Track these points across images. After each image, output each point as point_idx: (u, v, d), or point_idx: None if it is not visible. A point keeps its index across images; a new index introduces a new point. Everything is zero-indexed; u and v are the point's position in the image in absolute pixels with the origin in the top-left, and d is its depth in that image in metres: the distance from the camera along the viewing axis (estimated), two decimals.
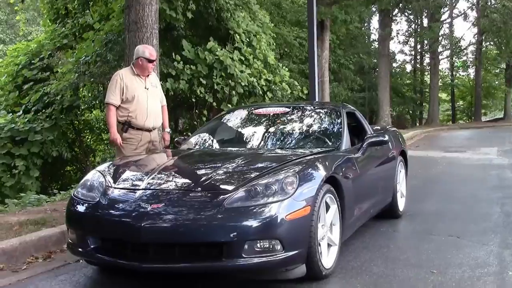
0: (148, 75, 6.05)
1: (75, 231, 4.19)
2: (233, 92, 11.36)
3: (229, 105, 11.48)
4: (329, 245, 4.23)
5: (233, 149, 5.34)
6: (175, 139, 6.07)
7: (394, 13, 31.72)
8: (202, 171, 4.50)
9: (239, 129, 5.86)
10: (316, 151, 4.84)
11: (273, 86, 12.37)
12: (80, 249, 4.13)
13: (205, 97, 11.13)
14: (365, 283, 4.06)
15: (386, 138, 5.35)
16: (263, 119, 5.78)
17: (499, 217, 6.36)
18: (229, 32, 12.12)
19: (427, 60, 42.33)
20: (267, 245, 3.70)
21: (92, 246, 4.01)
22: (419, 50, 41.63)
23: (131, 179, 4.46)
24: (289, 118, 5.77)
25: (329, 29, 17.96)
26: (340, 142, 5.12)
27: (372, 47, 33.61)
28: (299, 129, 5.55)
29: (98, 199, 4.13)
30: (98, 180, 4.39)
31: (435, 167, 11.68)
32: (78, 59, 11.89)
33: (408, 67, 42.84)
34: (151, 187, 4.18)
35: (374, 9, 25.60)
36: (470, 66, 42.31)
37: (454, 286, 3.97)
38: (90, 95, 13.91)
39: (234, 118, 6.05)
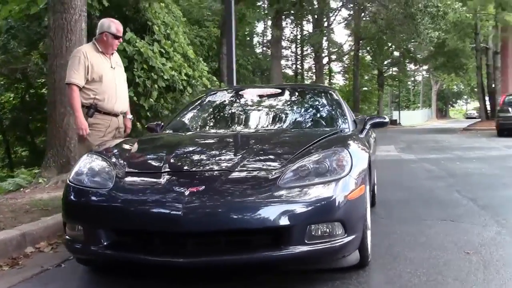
0: (112, 53, 5.41)
1: (81, 226, 3.47)
2: (155, 86, 10.75)
3: (151, 100, 10.87)
4: None
5: (242, 130, 4.85)
6: (147, 125, 5.45)
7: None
8: (229, 152, 3.95)
9: (233, 111, 5.34)
10: (331, 131, 4.47)
11: (193, 81, 11.87)
12: (88, 247, 3.40)
13: None
14: (413, 268, 3.75)
15: (387, 119, 5.12)
16: (257, 101, 5.33)
17: (468, 202, 6.38)
18: (146, 23, 11.48)
19: (305, 65, 43.89)
20: (329, 229, 3.26)
21: (105, 243, 3.33)
22: (299, 55, 42.90)
23: (143, 162, 3.84)
24: (286, 99, 5.38)
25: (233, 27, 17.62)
26: (347, 122, 4.80)
27: (258, 49, 33.94)
28: (301, 110, 5.20)
29: (111, 185, 3.43)
30: (101, 164, 3.69)
31: None
32: None
33: (288, 71, 43.90)
34: (178, 169, 3.60)
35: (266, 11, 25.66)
36: (347, 72, 44.25)
37: (503, 265, 3.80)
38: None
39: (221, 100, 5.52)
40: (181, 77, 11.40)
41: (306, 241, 3.18)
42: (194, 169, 3.62)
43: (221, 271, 3.61)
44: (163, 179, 3.41)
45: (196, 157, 3.89)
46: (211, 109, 5.43)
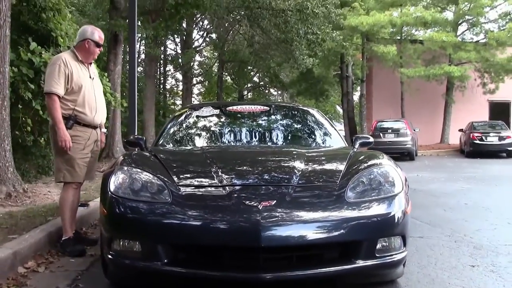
0: (90, 63, 5.12)
1: (138, 241, 3.26)
2: None
3: None
4: None
5: (257, 145, 4.90)
6: (126, 139, 5.20)
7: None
8: (274, 166, 3.95)
9: (236, 127, 5.30)
10: (344, 148, 4.68)
11: None
12: (147, 263, 3.22)
13: (33, 103, 9.70)
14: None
15: (371, 139, 5.32)
16: (250, 117, 5.32)
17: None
18: (50, 34, 10.82)
19: (167, 85, 43.90)
20: (392, 243, 3.40)
21: (166, 260, 3.17)
22: (162, 74, 42.72)
23: (192, 176, 3.71)
24: (278, 116, 5.44)
25: (122, 43, 17.19)
26: (344, 141, 4.99)
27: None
28: (298, 128, 5.33)
29: (169, 200, 3.29)
30: (145, 177, 3.51)
31: None
32: None
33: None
34: (240, 183, 3.50)
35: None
36: (210, 93, 44.83)
37: None
38: None
39: (211, 116, 5.43)
40: None
41: (376, 255, 3.27)
42: (256, 182, 3.56)
43: None
44: (227, 193, 3.32)
45: (247, 171, 3.82)
46: (209, 125, 5.34)
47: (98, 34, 5.03)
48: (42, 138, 10.33)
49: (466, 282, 3.90)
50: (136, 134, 7.79)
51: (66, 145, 4.70)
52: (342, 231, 3.17)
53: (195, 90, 47.63)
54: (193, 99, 46.08)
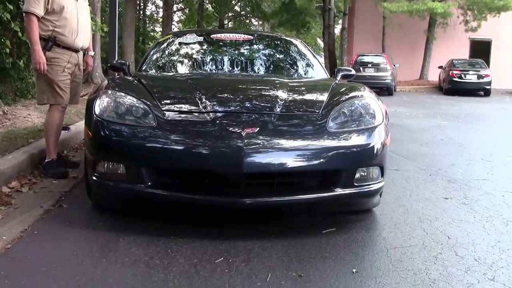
0: None
1: (123, 164, 3.30)
2: None
3: None
4: None
5: (240, 74, 4.91)
6: (110, 64, 5.15)
7: None
8: (257, 94, 3.99)
9: (213, 55, 5.27)
10: (319, 79, 4.70)
11: None
12: (131, 186, 3.28)
13: (11, 24, 9.49)
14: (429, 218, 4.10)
15: (353, 71, 5.34)
16: (233, 45, 5.29)
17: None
18: None
19: (147, 11, 43.04)
20: (370, 173, 3.50)
21: (150, 183, 3.23)
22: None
23: (176, 101, 3.73)
24: (261, 45, 5.42)
25: None
26: (327, 72, 5.03)
27: None
28: (281, 58, 5.32)
29: (154, 124, 3.31)
30: (130, 101, 3.51)
31: None
32: None
33: None
34: (224, 110, 3.53)
35: None
36: (190, 21, 44.01)
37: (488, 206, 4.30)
38: None
39: (194, 44, 5.37)
40: None
41: (354, 184, 3.37)
42: (239, 110, 3.59)
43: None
44: (211, 119, 3.35)
45: (231, 98, 3.86)
46: (193, 52, 5.31)
47: None
48: (21, 61, 10.19)
49: (439, 213, 4.06)
50: (117, 59, 7.69)
51: (41, 68, 4.62)
52: (322, 160, 3.25)
53: (175, 18, 46.90)
54: (173, 26, 45.37)
